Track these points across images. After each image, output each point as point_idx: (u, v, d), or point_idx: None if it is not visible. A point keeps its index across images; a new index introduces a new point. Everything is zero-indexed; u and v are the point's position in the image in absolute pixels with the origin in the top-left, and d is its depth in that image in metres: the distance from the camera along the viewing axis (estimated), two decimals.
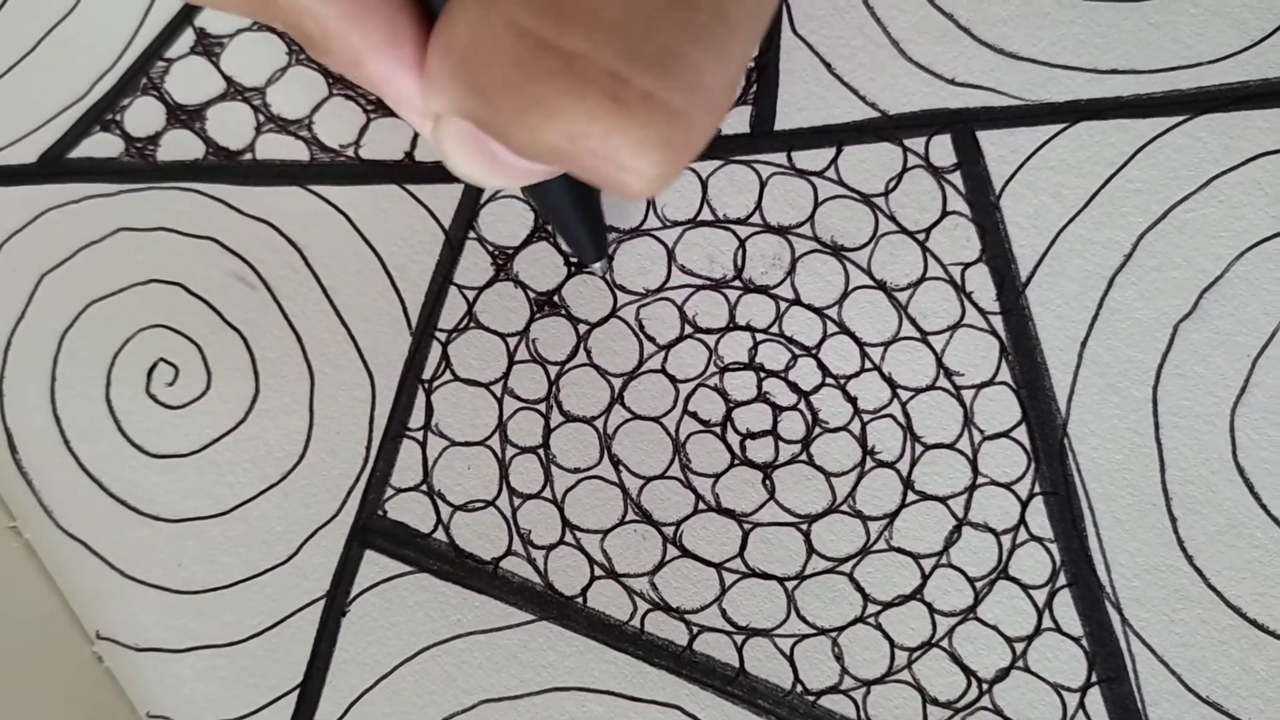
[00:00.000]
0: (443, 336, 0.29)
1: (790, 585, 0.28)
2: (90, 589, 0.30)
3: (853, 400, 0.28)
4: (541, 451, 0.29)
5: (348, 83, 0.31)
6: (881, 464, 0.28)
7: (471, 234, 0.30)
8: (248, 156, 0.31)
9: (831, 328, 0.28)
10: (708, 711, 0.27)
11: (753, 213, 0.29)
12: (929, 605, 0.27)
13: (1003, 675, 0.27)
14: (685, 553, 0.28)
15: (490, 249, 0.29)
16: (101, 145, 0.31)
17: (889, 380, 0.28)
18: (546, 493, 0.29)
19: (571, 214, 0.26)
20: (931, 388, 0.28)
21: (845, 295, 0.28)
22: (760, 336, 0.28)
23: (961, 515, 0.27)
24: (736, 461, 0.28)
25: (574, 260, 0.29)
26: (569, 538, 0.28)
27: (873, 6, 0.29)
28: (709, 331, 0.29)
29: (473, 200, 0.30)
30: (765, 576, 0.28)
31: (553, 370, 0.29)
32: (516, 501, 0.29)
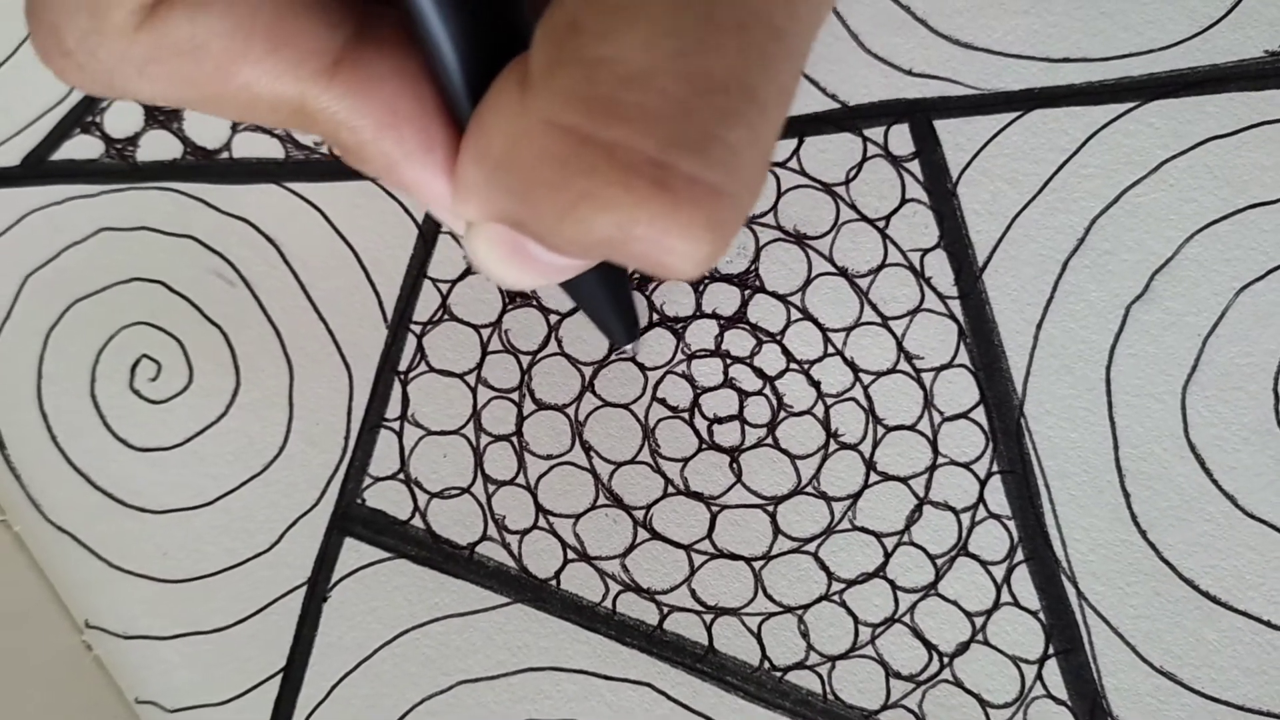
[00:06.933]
0: (417, 329, 0.30)
1: (757, 565, 0.28)
2: (79, 579, 0.31)
3: (816, 384, 0.29)
4: (515, 439, 0.30)
5: None
6: (844, 446, 0.28)
7: (444, 227, 0.30)
8: (225, 155, 0.31)
9: (795, 314, 0.29)
10: (678, 689, 0.28)
11: None
12: (891, 582, 0.28)
13: (963, 649, 0.28)
14: (655, 535, 0.29)
15: (463, 242, 0.30)
16: (82, 147, 0.32)
17: (851, 364, 0.29)
18: (520, 479, 0.29)
19: (604, 302, 0.26)
20: (892, 371, 0.28)
21: (808, 282, 0.29)
22: (726, 324, 0.29)
23: (922, 494, 0.28)
24: (704, 446, 0.29)
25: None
26: (542, 522, 0.29)
27: None
28: (676, 320, 0.29)
29: None
30: (733, 557, 0.29)
31: (525, 360, 0.30)
32: (491, 488, 0.29)
